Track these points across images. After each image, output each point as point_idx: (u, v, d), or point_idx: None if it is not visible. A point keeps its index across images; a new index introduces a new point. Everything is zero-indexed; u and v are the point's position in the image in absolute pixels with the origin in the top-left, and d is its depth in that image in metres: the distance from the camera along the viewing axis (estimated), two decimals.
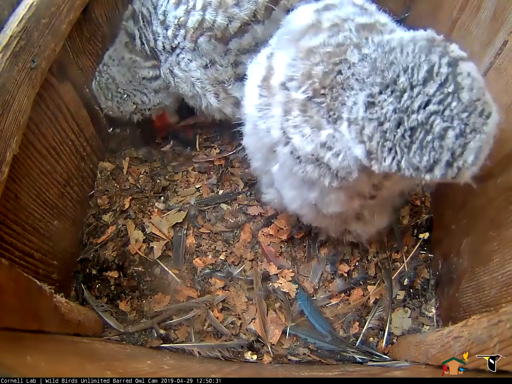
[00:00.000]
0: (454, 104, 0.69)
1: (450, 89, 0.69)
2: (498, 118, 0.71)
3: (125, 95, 1.43)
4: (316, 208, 1.11)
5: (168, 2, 1.26)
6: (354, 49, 0.81)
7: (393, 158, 0.74)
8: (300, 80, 0.87)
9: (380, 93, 0.73)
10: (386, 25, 0.90)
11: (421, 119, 0.70)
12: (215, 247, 1.46)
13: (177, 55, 1.29)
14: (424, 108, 0.69)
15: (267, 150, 1.06)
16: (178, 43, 1.27)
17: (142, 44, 1.34)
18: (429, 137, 0.69)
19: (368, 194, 1.00)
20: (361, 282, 1.38)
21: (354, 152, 0.81)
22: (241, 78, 1.33)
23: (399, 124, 0.71)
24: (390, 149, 0.73)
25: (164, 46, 1.30)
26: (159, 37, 1.29)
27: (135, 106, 1.46)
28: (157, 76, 1.40)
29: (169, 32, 1.26)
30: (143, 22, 1.31)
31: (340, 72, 0.82)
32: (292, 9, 1.27)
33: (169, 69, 1.34)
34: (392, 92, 0.72)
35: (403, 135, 0.71)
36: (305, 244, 1.45)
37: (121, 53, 1.40)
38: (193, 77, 1.32)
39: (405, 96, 0.71)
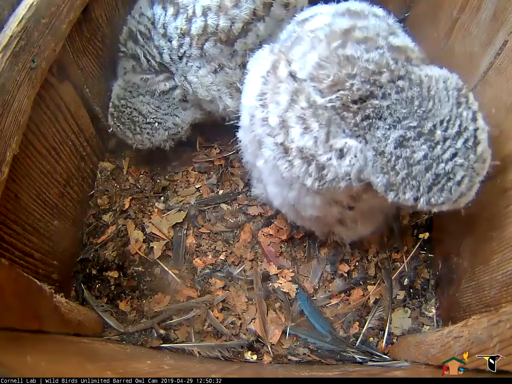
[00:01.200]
0: (471, 156, 0.81)
1: (470, 143, 0.81)
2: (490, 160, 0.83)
3: (156, 124, 1.40)
4: (295, 209, 1.11)
5: (165, 15, 1.26)
6: (390, 77, 0.83)
7: (413, 194, 0.82)
8: (328, 85, 0.86)
9: (414, 139, 0.80)
10: (414, 52, 0.93)
11: (448, 169, 0.81)
12: (215, 247, 1.46)
13: (186, 63, 1.30)
14: (451, 159, 0.80)
15: (257, 144, 1.06)
16: (185, 51, 1.27)
17: (148, 61, 1.33)
18: (450, 183, 0.81)
19: (346, 205, 1.01)
20: (361, 282, 1.38)
21: (371, 179, 0.85)
22: None
23: (427, 168, 0.81)
24: (413, 187, 0.82)
25: (171, 57, 1.30)
26: (163, 50, 1.29)
27: (167, 132, 1.43)
28: (174, 86, 1.38)
29: (174, 43, 1.26)
30: (143, 39, 1.31)
31: (373, 95, 0.83)
32: (289, 4, 1.29)
33: (184, 76, 1.33)
34: (426, 140, 0.81)
35: (428, 178, 0.81)
36: (305, 244, 1.45)
37: (131, 80, 1.38)
38: (206, 82, 1.32)
39: (438, 147, 0.80)
